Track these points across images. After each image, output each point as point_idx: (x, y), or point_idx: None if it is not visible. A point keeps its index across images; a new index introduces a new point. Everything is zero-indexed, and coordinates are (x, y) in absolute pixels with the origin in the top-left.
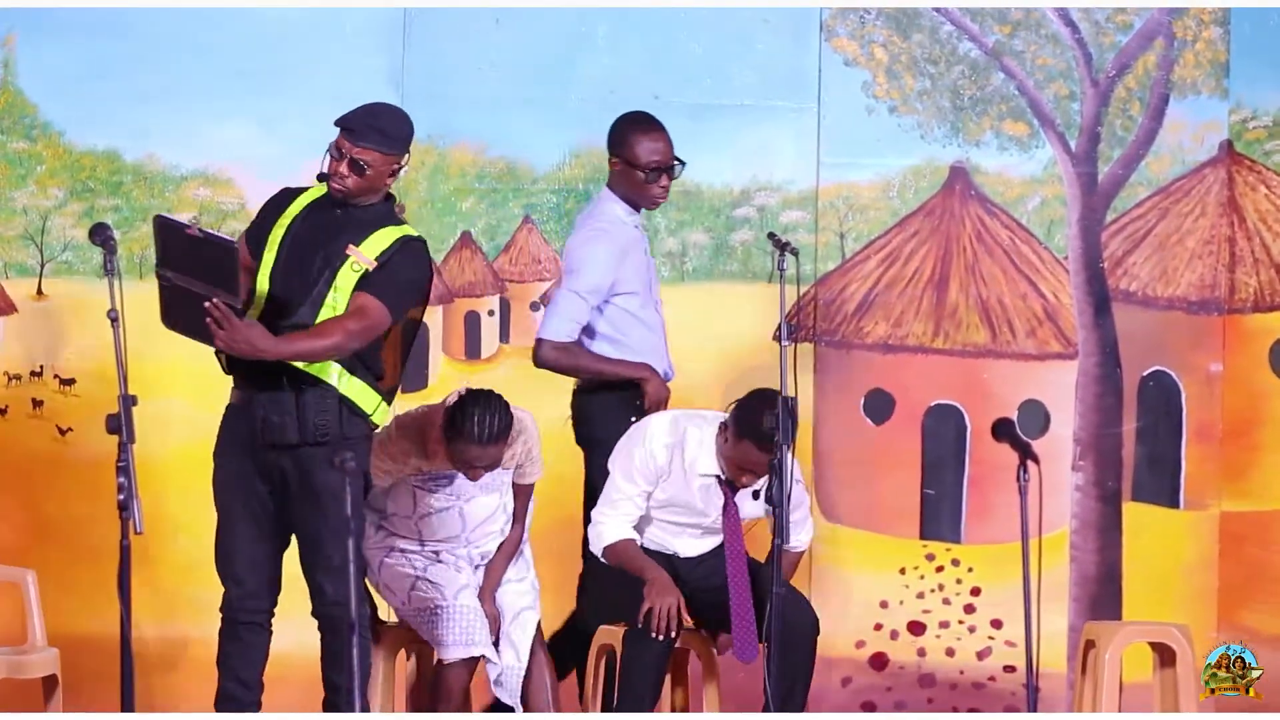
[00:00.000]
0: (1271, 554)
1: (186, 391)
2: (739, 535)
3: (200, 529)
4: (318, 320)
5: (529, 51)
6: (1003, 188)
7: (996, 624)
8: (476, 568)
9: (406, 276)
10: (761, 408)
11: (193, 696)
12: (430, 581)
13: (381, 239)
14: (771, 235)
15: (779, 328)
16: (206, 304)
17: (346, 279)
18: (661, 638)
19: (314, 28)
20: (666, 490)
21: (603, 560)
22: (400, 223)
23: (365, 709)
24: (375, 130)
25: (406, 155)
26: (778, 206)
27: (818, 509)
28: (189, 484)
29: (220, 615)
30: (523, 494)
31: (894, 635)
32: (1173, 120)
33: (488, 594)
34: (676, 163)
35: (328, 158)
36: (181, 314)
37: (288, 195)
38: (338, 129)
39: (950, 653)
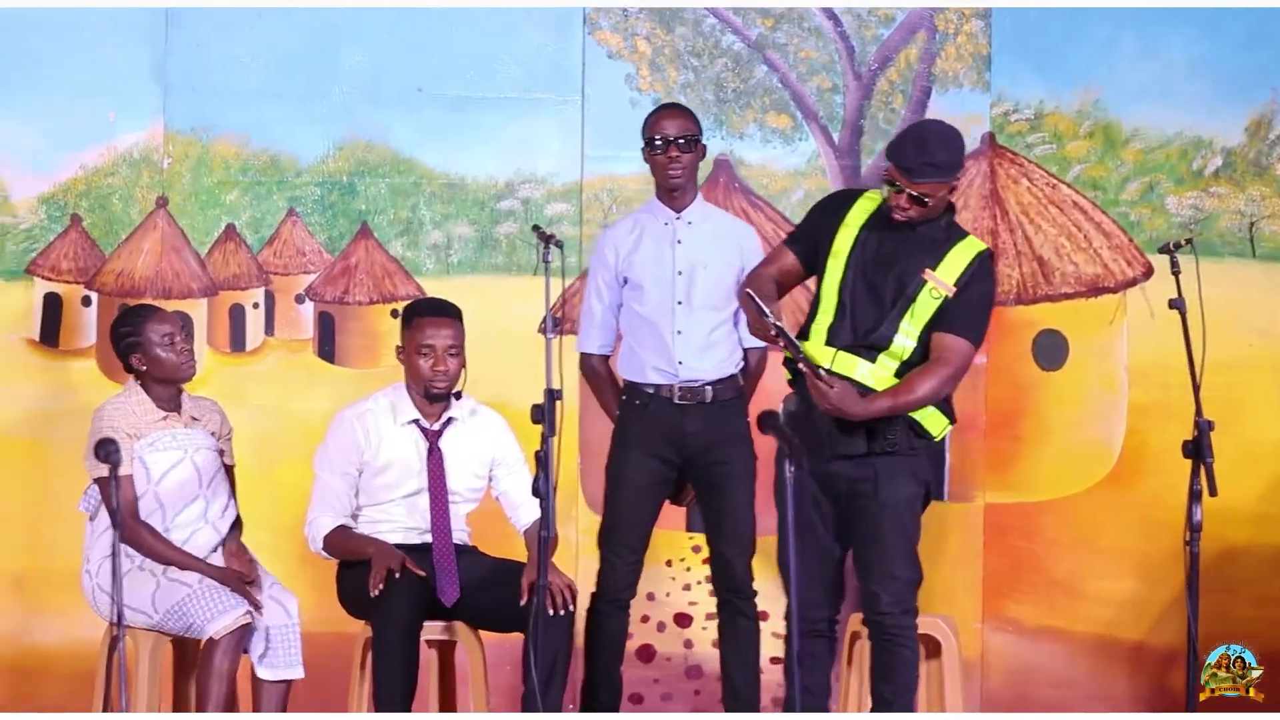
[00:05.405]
0: (1035, 545)
1: None
2: (442, 478)
3: None
4: (893, 341)
5: (292, 44)
6: (767, 180)
7: (763, 616)
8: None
9: (983, 297)
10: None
11: None
12: (173, 580)
13: (957, 259)
14: (536, 228)
15: (544, 320)
16: None
17: (925, 305)
18: (399, 574)
19: (76, 20)
20: (382, 454)
21: (324, 555)
22: (965, 233)
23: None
24: (930, 166)
25: (961, 171)
26: (542, 199)
27: (583, 500)
28: None
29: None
30: (229, 477)
31: (661, 627)
32: (935, 113)
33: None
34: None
35: (885, 187)
36: None
37: (847, 199)
38: (888, 160)
39: (716, 644)
